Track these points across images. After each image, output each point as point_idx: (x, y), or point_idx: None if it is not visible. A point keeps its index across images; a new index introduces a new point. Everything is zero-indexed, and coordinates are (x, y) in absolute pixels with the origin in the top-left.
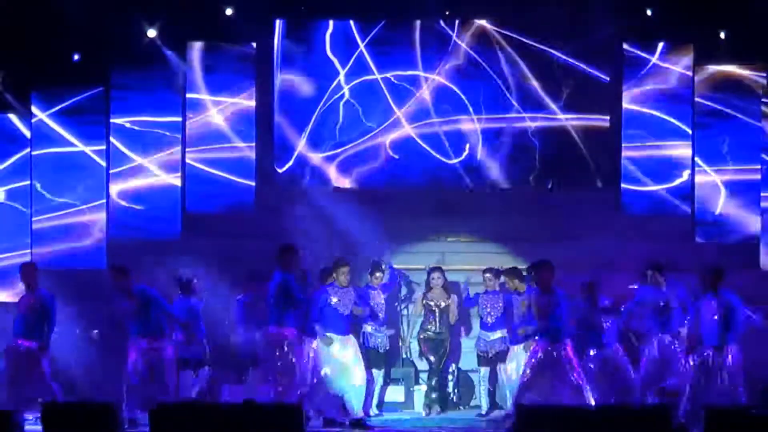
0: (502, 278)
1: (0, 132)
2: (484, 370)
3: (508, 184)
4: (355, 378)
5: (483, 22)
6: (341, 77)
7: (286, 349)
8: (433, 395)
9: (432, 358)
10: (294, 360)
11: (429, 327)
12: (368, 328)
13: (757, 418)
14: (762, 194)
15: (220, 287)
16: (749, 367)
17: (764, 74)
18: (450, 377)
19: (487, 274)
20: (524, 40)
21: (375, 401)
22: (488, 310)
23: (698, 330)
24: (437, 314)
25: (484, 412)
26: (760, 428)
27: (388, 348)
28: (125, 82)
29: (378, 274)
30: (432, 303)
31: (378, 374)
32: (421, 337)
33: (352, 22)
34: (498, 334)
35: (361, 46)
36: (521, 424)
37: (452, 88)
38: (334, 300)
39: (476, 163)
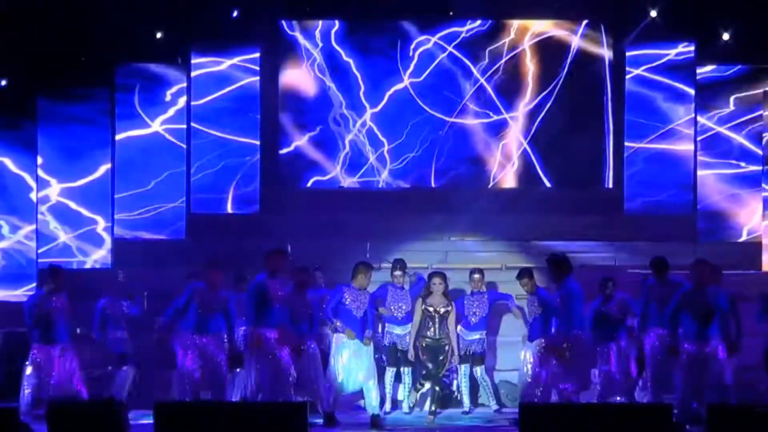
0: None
1: (5, 132)
2: (465, 367)
3: (511, 183)
4: (364, 375)
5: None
6: (348, 77)
7: (262, 348)
8: (433, 404)
9: (430, 365)
10: (270, 358)
11: (427, 333)
12: (387, 326)
13: (761, 416)
14: (764, 193)
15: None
16: None
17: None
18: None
19: (476, 275)
20: (525, 42)
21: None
22: (474, 310)
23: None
24: (436, 320)
25: (467, 410)
26: (763, 425)
27: (406, 347)
28: (130, 82)
29: (397, 273)
30: (431, 309)
31: (401, 371)
32: (420, 343)
33: (355, 24)
34: (476, 335)
35: (364, 46)
36: (525, 422)
37: (457, 86)
38: (347, 300)
39: (478, 162)
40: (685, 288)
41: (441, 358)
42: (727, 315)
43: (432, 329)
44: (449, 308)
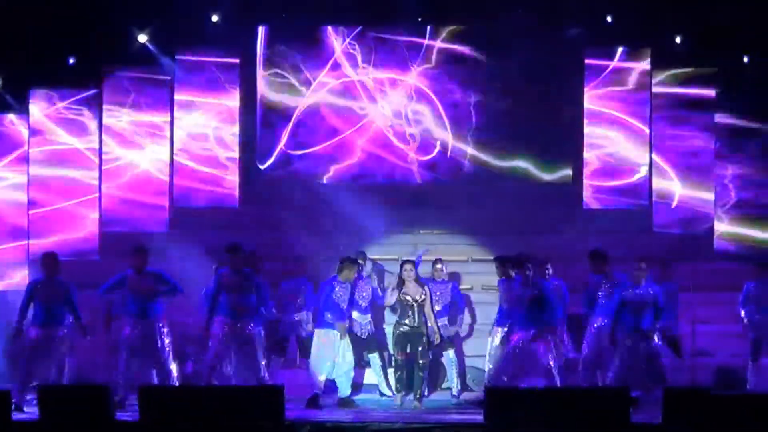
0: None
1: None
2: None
3: (478, 178)
4: (345, 361)
5: (452, 28)
6: (319, 79)
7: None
8: (418, 390)
9: (409, 352)
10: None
11: (406, 321)
12: (354, 314)
13: (715, 399)
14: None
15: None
16: None
17: (715, 88)
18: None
19: (438, 265)
20: (483, 54)
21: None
22: (437, 298)
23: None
24: (415, 309)
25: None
26: (718, 409)
27: (368, 334)
28: (117, 83)
29: (359, 262)
30: (409, 298)
31: (372, 357)
32: (399, 331)
33: (330, 28)
34: (443, 322)
35: (338, 50)
36: (491, 406)
37: (423, 87)
38: (338, 293)
39: (447, 157)
40: (624, 284)
41: (420, 344)
42: (661, 309)
43: (411, 318)
44: (424, 295)
